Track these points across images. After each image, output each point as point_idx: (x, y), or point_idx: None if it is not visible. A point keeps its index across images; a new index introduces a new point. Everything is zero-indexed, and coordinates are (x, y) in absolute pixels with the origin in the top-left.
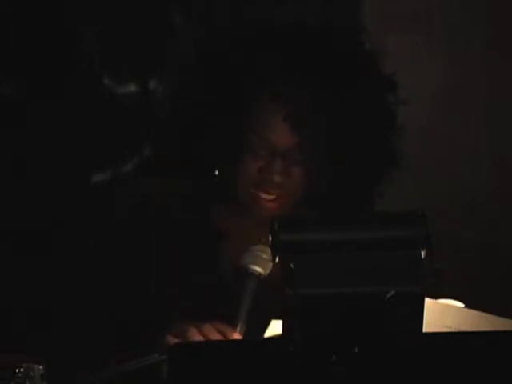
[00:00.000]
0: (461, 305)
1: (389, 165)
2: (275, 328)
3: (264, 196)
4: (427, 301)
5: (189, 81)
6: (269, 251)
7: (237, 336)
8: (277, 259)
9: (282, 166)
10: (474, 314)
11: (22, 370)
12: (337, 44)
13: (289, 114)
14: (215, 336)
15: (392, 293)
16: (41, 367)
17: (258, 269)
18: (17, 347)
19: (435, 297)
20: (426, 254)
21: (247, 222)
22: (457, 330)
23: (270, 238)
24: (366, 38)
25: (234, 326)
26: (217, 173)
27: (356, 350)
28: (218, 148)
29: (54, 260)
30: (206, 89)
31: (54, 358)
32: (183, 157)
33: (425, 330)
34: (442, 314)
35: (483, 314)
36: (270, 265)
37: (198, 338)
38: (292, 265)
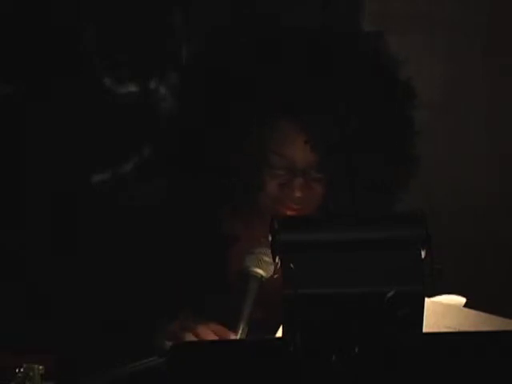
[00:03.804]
0: (462, 299)
1: (407, 177)
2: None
3: (285, 211)
4: (427, 301)
5: (202, 96)
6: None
7: (233, 336)
8: (277, 259)
9: (302, 182)
10: (473, 314)
11: (22, 369)
12: (358, 62)
13: (309, 134)
14: (211, 338)
15: (392, 293)
16: (41, 367)
17: (260, 271)
18: (17, 347)
19: (436, 294)
20: (426, 254)
21: (258, 226)
22: (457, 330)
23: (270, 238)
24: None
25: (234, 328)
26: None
27: (356, 350)
28: (239, 167)
29: (53, 260)
30: (218, 109)
31: (54, 359)
32: (185, 158)
33: (425, 330)
34: (441, 314)
35: (483, 313)
36: (272, 267)
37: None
38: (292, 265)
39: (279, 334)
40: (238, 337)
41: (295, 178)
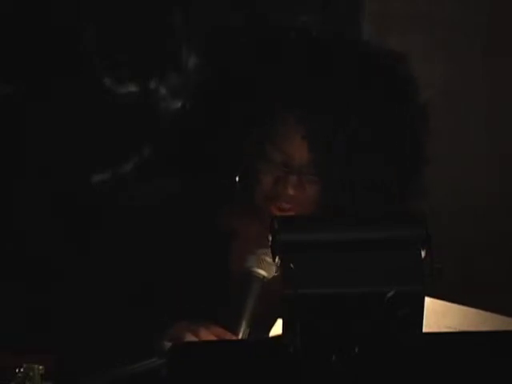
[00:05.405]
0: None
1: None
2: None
3: (277, 210)
4: (427, 300)
5: (204, 93)
6: None
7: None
8: (277, 259)
9: (296, 179)
10: (474, 313)
11: (22, 369)
12: (364, 65)
13: (308, 131)
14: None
15: (392, 293)
16: (41, 367)
17: (262, 272)
18: (17, 347)
19: (435, 297)
20: (426, 253)
21: (257, 225)
22: (457, 330)
23: (270, 238)
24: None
25: (234, 329)
26: (238, 179)
27: (356, 350)
28: (233, 157)
29: (53, 260)
30: (221, 103)
31: (54, 359)
32: (185, 158)
33: (425, 329)
34: (442, 314)
35: (483, 313)
36: (274, 268)
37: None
38: (292, 265)
39: (275, 329)
40: (240, 338)
41: (290, 175)
